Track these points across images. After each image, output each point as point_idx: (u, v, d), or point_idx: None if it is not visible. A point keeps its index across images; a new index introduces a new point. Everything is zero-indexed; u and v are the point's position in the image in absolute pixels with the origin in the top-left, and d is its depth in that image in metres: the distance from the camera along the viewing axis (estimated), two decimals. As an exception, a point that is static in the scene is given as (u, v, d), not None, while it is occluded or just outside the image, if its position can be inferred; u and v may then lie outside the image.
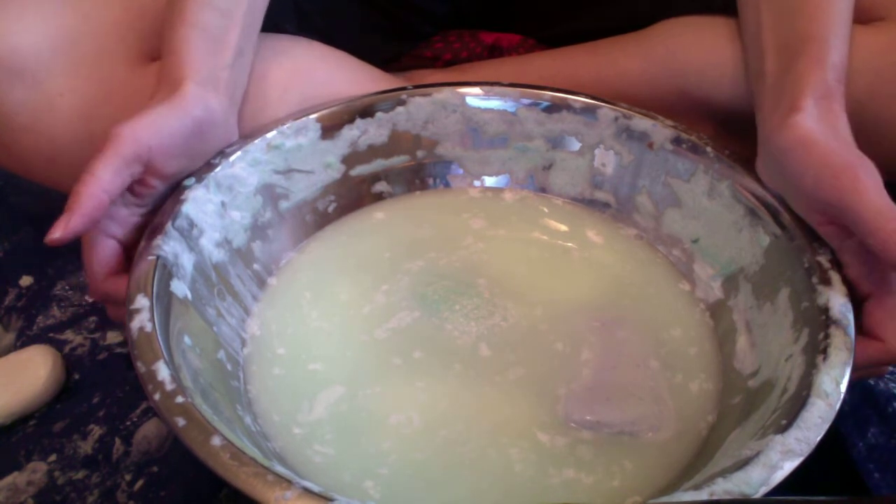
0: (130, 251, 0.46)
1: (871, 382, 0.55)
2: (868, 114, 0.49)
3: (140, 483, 0.51)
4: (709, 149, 0.52)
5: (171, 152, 0.45)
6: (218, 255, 0.49)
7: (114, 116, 0.48)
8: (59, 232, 0.40)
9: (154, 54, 0.54)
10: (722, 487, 0.33)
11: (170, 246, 0.44)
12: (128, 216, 0.46)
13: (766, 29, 0.48)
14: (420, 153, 0.58)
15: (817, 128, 0.42)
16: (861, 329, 0.41)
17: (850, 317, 0.41)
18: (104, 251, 0.45)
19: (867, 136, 0.45)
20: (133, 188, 0.45)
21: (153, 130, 0.44)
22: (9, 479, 0.52)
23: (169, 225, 0.45)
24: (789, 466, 0.34)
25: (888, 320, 0.41)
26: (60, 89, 0.51)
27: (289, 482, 0.33)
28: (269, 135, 0.52)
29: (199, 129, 0.47)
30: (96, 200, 0.41)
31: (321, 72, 0.57)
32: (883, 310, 0.41)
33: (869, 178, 0.39)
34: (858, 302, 0.42)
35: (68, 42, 0.52)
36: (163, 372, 0.37)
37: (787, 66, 0.45)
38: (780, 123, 0.43)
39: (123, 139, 0.43)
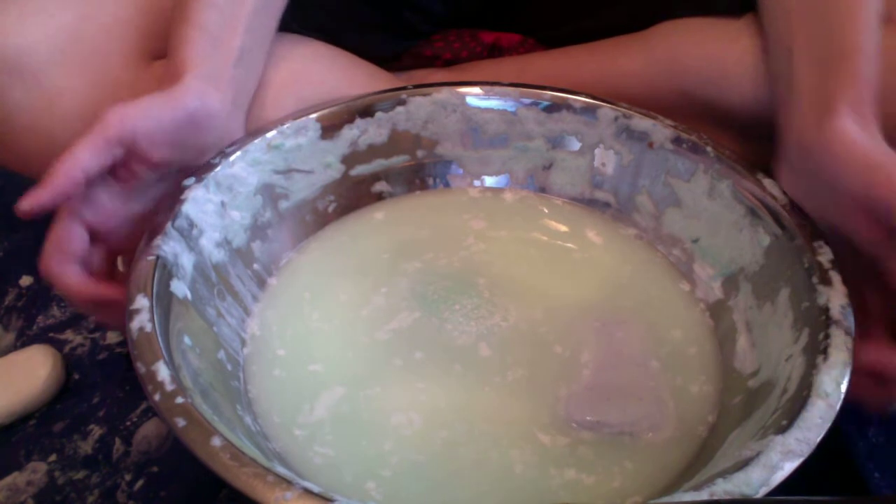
0: (108, 240, 0.46)
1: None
2: None
3: (140, 483, 0.51)
4: (709, 149, 0.51)
5: (158, 140, 0.45)
6: (218, 255, 0.49)
7: None
8: (27, 204, 0.41)
9: (157, 53, 0.54)
10: (722, 488, 0.33)
11: (170, 246, 0.44)
12: (107, 201, 0.45)
13: (800, 37, 0.48)
14: (420, 153, 0.58)
15: (862, 132, 0.42)
16: None
17: (851, 317, 0.41)
18: (64, 232, 0.44)
19: None
20: (117, 172, 0.45)
21: (141, 115, 0.44)
22: (9, 479, 0.52)
23: (169, 225, 0.45)
24: (789, 467, 0.34)
25: None
26: (60, 88, 0.51)
27: (289, 483, 0.33)
28: (269, 135, 0.52)
29: (194, 122, 0.46)
30: (70, 176, 0.41)
31: (319, 71, 0.57)
32: None
33: None
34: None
35: (69, 41, 0.52)
36: (163, 372, 0.37)
37: (824, 77, 0.45)
38: (820, 128, 0.43)
39: (109, 121, 0.43)
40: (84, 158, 0.42)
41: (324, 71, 0.58)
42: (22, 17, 0.50)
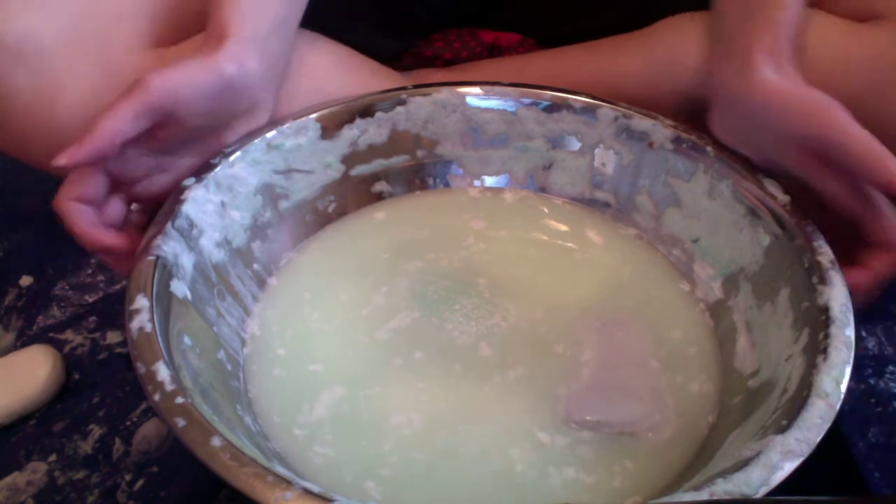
0: (134, 190, 0.48)
1: (872, 382, 0.55)
2: (867, 111, 0.49)
3: (140, 483, 0.51)
4: (709, 148, 0.52)
5: (197, 108, 0.46)
6: (218, 255, 0.49)
7: None
8: (63, 159, 0.42)
9: (162, 41, 0.54)
10: (722, 488, 0.33)
11: (170, 246, 0.44)
12: (134, 156, 0.47)
13: None
14: (420, 153, 0.58)
15: (779, 77, 0.45)
16: (870, 244, 0.45)
17: (851, 316, 0.41)
18: (84, 175, 0.45)
19: (869, 131, 0.45)
20: (152, 132, 0.46)
21: (183, 83, 0.45)
22: (9, 479, 0.52)
23: (169, 225, 0.45)
24: (789, 467, 0.34)
25: (891, 232, 0.44)
26: (64, 73, 0.51)
27: (289, 483, 0.33)
28: (269, 134, 0.52)
29: (230, 88, 0.47)
30: (108, 137, 0.43)
31: (327, 68, 0.57)
32: (882, 226, 0.45)
33: (841, 110, 0.43)
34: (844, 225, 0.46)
35: (73, 27, 0.52)
36: (162, 372, 0.37)
37: (745, 28, 0.48)
38: (742, 77, 0.46)
39: (151, 88, 0.44)
40: (124, 122, 0.43)
41: (331, 68, 0.58)
42: (26, 3, 0.51)
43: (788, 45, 0.47)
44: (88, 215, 0.45)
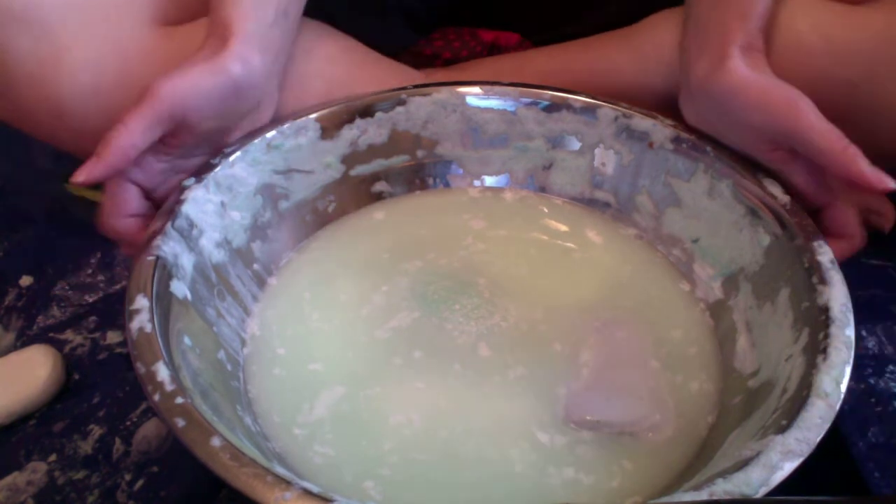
0: (154, 194, 0.49)
1: (872, 382, 0.55)
2: (863, 95, 0.49)
3: (140, 483, 0.51)
4: (709, 148, 0.51)
5: (207, 113, 0.47)
6: (218, 255, 0.49)
7: (121, 72, 0.50)
8: (82, 176, 0.43)
9: (168, 19, 0.54)
10: (722, 488, 0.33)
11: (169, 246, 0.44)
12: (154, 162, 0.48)
13: None
14: (420, 153, 0.58)
15: (751, 71, 0.46)
16: (825, 233, 0.47)
17: (850, 316, 0.41)
18: (121, 193, 0.47)
19: (862, 118, 0.46)
20: (164, 139, 0.46)
21: (192, 91, 0.45)
22: (9, 479, 0.52)
23: (168, 225, 0.45)
24: (789, 467, 0.34)
25: (847, 221, 0.47)
26: (68, 42, 0.51)
27: (288, 483, 0.33)
28: (269, 135, 0.52)
29: (237, 89, 0.47)
30: (122, 152, 0.44)
31: (331, 57, 0.58)
32: (841, 214, 0.47)
33: (809, 105, 0.44)
34: (812, 212, 0.48)
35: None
36: (162, 372, 0.37)
37: (717, 18, 0.49)
38: (715, 69, 0.47)
39: (161, 97, 0.44)
40: (136, 134, 0.44)
41: (338, 58, 0.58)
42: None
43: (759, 36, 0.48)
44: (138, 225, 0.47)
